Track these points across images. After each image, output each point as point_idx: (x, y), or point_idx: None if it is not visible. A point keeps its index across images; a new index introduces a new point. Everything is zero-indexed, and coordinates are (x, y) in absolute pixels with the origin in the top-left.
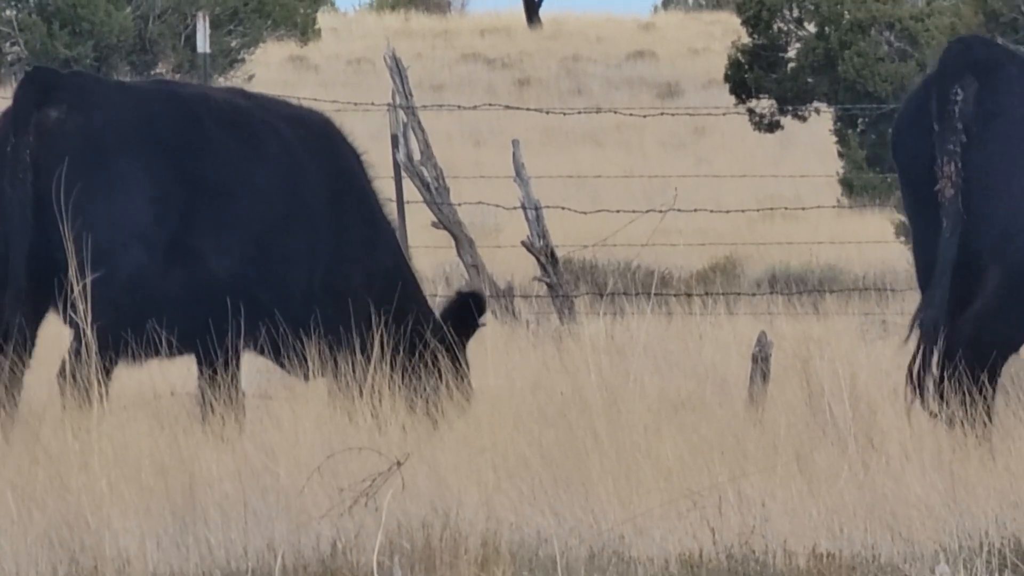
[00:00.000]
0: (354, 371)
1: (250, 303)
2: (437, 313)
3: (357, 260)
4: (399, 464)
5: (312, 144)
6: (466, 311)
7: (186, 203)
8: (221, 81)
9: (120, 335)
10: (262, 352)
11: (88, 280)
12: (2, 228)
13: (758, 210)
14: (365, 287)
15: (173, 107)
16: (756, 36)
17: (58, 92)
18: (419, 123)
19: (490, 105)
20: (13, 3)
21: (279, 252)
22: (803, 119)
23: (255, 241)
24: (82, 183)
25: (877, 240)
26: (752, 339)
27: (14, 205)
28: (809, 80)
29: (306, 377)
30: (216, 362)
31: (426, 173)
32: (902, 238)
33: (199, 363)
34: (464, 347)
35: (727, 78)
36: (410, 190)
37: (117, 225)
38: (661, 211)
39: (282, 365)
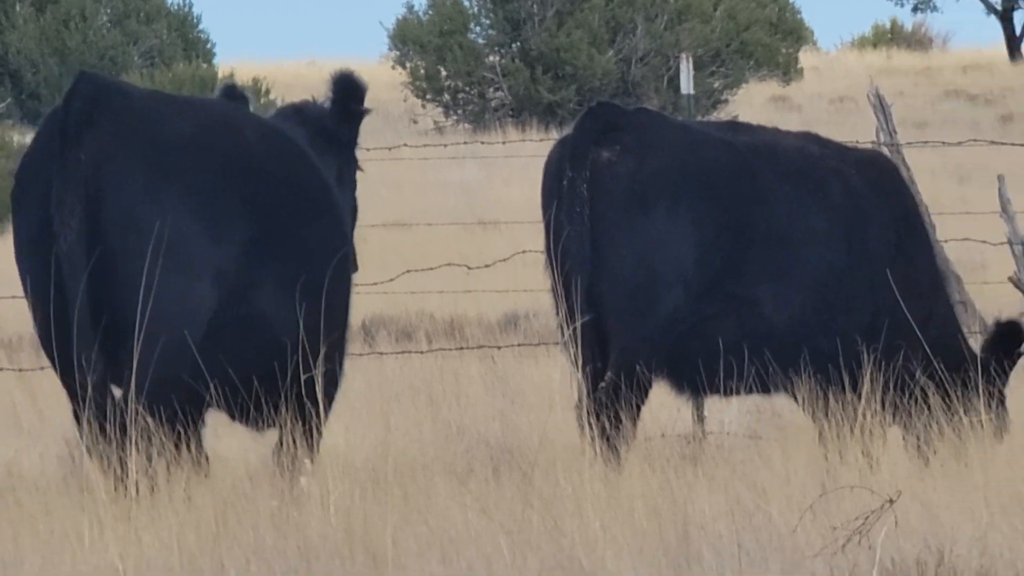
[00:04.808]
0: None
1: (810, 350)
2: (979, 345)
3: (919, 299)
4: (891, 502)
5: (881, 186)
6: (1006, 341)
7: (736, 251)
8: None
9: (648, 373)
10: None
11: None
12: (564, 262)
13: None
14: (922, 327)
15: (731, 155)
16: None
17: (616, 132)
18: (903, 160)
19: (975, 141)
20: (497, 49)
21: (840, 298)
22: None
23: (815, 288)
24: (624, 224)
25: None
26: None
27: (572, 240)
28: None
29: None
30: None
31: None
32: None
33: None
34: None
35: None
36: None
37: (656, 266)
38: None
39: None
